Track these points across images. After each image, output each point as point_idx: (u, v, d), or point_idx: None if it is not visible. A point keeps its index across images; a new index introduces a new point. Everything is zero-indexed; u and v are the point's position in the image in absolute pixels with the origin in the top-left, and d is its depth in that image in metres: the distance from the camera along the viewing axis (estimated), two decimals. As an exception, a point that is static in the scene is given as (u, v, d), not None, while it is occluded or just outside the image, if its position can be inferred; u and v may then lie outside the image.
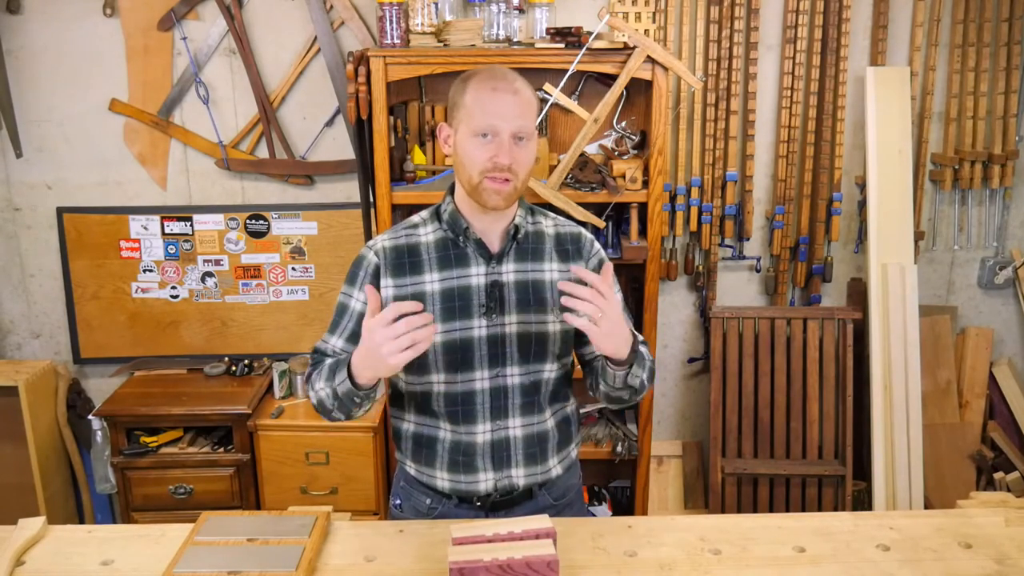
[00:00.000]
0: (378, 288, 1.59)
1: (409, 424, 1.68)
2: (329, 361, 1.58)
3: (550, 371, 1.64)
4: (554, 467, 1.69)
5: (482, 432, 1.62)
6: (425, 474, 1.67)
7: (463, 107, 1.53)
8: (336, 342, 1.64)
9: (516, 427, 1.63)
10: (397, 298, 1.58)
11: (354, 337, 1.61)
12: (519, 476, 1.65)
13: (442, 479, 1.65)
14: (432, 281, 1.58)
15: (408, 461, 1.70)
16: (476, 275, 1.59)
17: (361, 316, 1.60)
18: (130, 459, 2.84)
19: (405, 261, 1.60)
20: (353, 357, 1.47)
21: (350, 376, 1.47)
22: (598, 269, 1.66)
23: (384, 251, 1.61)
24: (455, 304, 1.58)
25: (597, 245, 1.70)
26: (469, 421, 1.62)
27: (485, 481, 1.64)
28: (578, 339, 1.70)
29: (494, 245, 1.61)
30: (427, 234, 1.62)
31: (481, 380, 1.60)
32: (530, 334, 1.60)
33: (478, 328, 1.58)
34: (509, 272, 1.60)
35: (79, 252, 3.06)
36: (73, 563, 1.51)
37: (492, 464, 1.63)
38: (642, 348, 1.59)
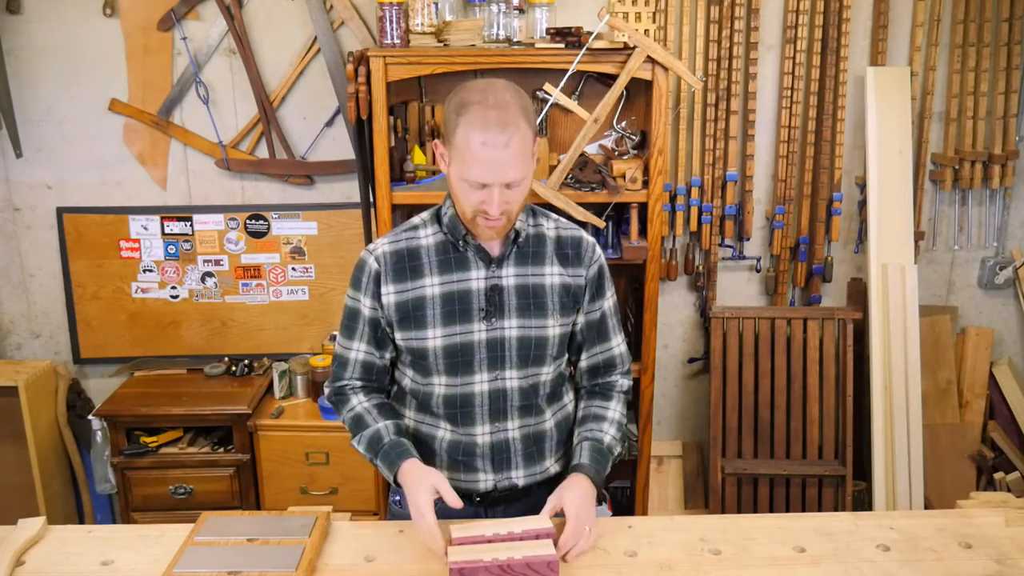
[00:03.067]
0: (380, 295, 1.59)
1: (410, 421, 1.69)
2: (369, 430, 1.63)
3: (547, 373, 1.65)
4: (551, 466, 1.70)
5: (481, 434, 1.63)
6: None
7: (453, 146, 1.47)
8: (360, 346, 1.66)
9: (514, 429, 1.64)
10: (399, 303, 1.59)
11: (374, 341, 1.64)
12: (519, 477, 1.66)
13: None
14: (432, 285, 1.58)
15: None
16: (476, 279, 1.59)
17: (372, 321, 1.62)
18: (130, 459, 2.84)
19: (406, 265, 1.59)
20: (404, 479, 1.55)
21: (394, 475, 1.58)
22: (598, 276, 1.67)
23: (384, 256, 1.60)
24: (455, 308, 1.58)
25: (598, 251, 1.69)
26: (468, 423, 1.62)
27: (485, 481, 1.65)
28: (571, 346, 1.72)
29: (494, 249, 1.60)
30: (427, 237, 1.61)
31: (480, 383, 1.60)
32: (530, 338, 1.60)
33: (478, 332, 1.58)
34: (509, 276, 1.60)
35: (79, 252, 3.06)
36: (73, 563, 1.51)
37: (492, 465, 1.64)
38: (611, 443, 1.67)
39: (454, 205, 1.58)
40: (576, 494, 1.53)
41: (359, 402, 1.67)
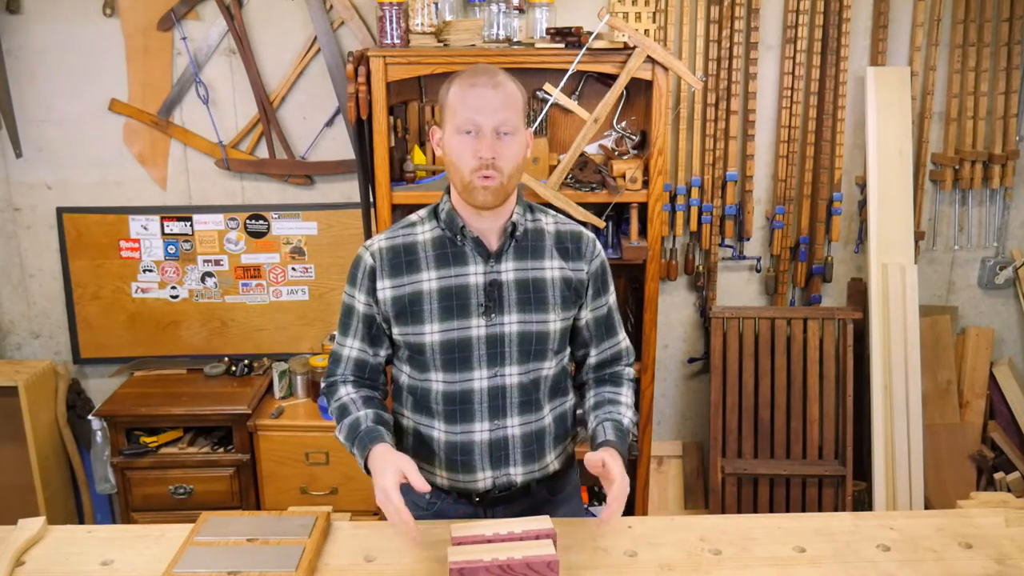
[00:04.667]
0: (375, 291, 1.59)
1: (409, 422, 1.69)
2: (350, 418, 1.62)
3: (548, 368, 1.65)
4: (551, 462, 1.70)
5: (480, 431, 1.62)
6: (425, 470, 1.68)
7: (448, 107, 1.53)
8: (353, 343, 1.66)
9: (514, 426, 1.63)
10: (395, 298, 1.59)
11: (368, 338, 1.65)
12: (517, 474, 1.66)
13: (441, 476, 1.66)
14: (429, 280, 1.58)
15: (408, 456, 1.71)
16: (474, 274, 1.58)
17: (366, 317, 1.63)
18: (130, 459, 2.84)
19: (402, 260, 1.59)
20: (373, 463, 1.52)
21: (364, 462, 1.57)
22: (601, 271, 1.68)
23: (380, 252, 1.61)
24: (453, 303, 1.58)
25: (598, 246, 1.69)
26: (467, 420, 1.62)
27: (483, 479, 1.65)
28: (572, 338, 1.71)
29: (492, 243, 1.60)
30: (424, 232, 1.62)
31: (479, 380, 1.60)
32: (530, 333, 1.60)
33: (476, 327, 1.58)
34: (508, 271, 1.59)
35: (79, 252, 3.06)
36: (73, 563, 1.51)
37: (490, 463, 1.64)
38: (630, 426, 1.67)
39: (451, 194, 1.60)
40: (618, 460, 1.51)
41: (346, 392, 1.67)
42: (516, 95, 1.54)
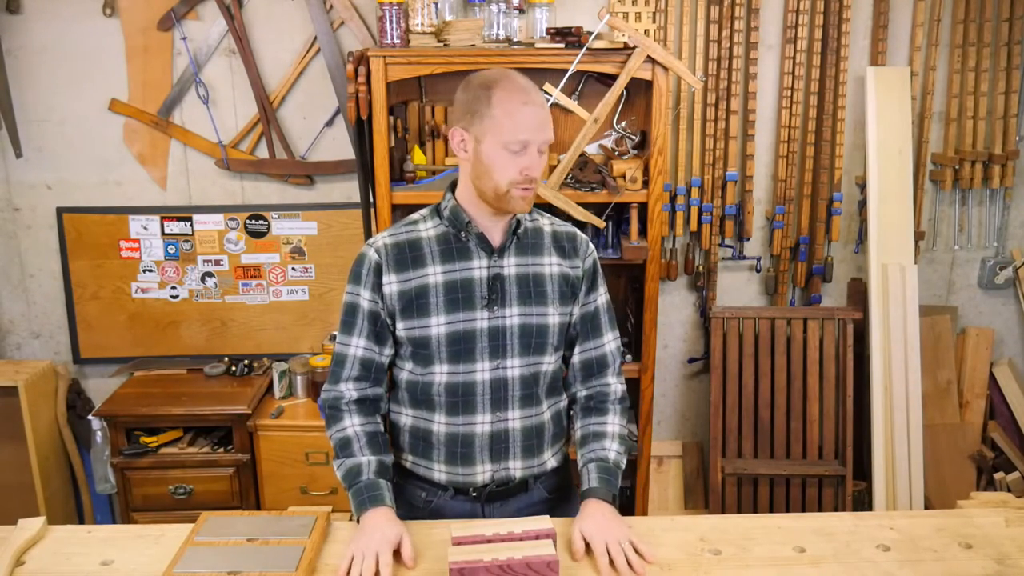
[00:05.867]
0: (381, 286, 1.61)
1: (407, 417, 1.70)
2: (352, 460, 1.61)
3: (548, 363, 1.67)
4: (549, 460, 1.72)
5: (481, 423, 1.64)
6: (422, 466, 1.69)
7: (490, 117, 1.53)
8: (358, 342, 1.65)
9: (515, 419, 1.65)
10: (401, 292, 1.61)
11: (373, 335, 1.65)
12: (516, 468, 1.67)
13: (439, 471, 1.67)
14: (435, 273, 1.61)
15: (405, 454, 1.72)
16: (478, 268, 1.62)
17: (372, 314, 1.64)
18: (130, 459, 2.84)
19: (407, 256, 1.62)
20: (368, 521, 1.52)
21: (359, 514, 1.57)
22: (593, 269, 1.72)
23: (385, 248, 1.63)
24: (458, 296, 1.60)
25: (591, 246, 1.74)
26: (469, 412, 1.63)
27: (482, 473, 1.66)
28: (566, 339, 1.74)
29: (495, 240, 1.64)
30: (427, 229, 1.65)
31: (482, 371, 1.62)
32: (531, 326, 1.63)
33: (480, 320, 1.61)
34: (510, 265, 1.63)
35: (79, 252, 3.06)
36: (73, 563, 1.51)
37: (490, 456, 1.65)
38: (617, 458, 1.66)
39: (455, 192, 1.64)
40: (591, 523, 1.52)
41: (351, 424, 1.65)
42: (549, 110, 1.59)
